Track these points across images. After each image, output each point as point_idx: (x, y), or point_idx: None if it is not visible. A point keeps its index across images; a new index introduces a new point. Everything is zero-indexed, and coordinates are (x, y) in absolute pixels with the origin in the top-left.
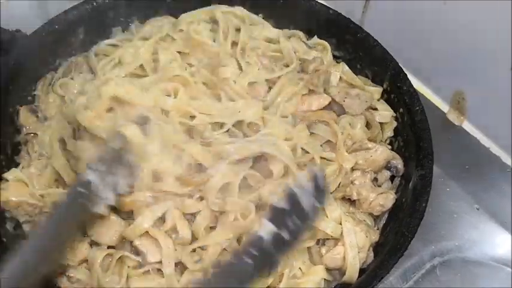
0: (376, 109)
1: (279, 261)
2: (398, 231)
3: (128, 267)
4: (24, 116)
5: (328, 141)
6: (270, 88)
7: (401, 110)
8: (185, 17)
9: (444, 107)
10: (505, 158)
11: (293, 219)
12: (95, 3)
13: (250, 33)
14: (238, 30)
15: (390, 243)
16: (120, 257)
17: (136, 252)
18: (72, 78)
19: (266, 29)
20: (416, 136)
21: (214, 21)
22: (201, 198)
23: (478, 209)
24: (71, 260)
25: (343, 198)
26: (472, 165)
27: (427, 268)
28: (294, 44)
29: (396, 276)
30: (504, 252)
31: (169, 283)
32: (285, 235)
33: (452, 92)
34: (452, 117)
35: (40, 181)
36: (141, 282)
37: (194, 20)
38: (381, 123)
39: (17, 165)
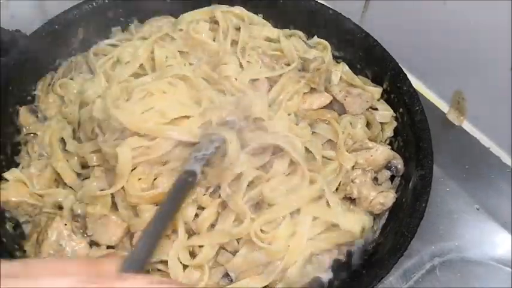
0: (376, 109)
1: None
2: (398, 231)
3: None
4: (24, 116)
5: (329, 140)
6: (271, 87)
7: (401, 110)
8: (185, 16)
9: (444, 107)
10: (505, 158)
11: (346, 273)
12: (94, 3)
13: (250, 33)
14: (238, 29)
15: (390, 243)
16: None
17: None
18: (71, 78)
19: (266, 29)
20: (416, 136)
21: (214, 21)
22: (212, 194)
23: (478, 209)
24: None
25: (344, 197)
26: (472, 165)
27: (427, 268)
28: (294, 43)
29: (396, 276)
30: (504, 252)
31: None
32: (336, 282)
33: (452, 92)
34: (452, 117)
35: (40, 181)
36: None
37: (194, 20)
38: (381, 123)
39: (17, 165)
